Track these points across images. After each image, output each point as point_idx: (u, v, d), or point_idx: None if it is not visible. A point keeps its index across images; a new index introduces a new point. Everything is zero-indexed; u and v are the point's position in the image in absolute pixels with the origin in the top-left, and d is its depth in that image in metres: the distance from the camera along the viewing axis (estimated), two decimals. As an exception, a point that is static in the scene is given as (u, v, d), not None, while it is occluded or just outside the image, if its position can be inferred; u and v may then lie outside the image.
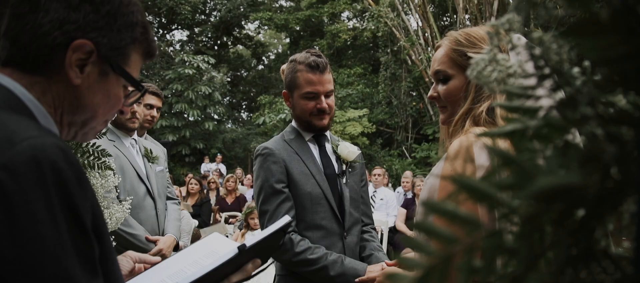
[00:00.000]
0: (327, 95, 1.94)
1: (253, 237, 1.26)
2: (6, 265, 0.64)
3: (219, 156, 14.63)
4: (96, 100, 0.85)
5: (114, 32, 0.84)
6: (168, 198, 2.82)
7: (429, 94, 1.34)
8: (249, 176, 10.28)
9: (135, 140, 2.65)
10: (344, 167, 2.03)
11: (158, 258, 1.35)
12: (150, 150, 2.72)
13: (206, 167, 14.03)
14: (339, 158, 2.04)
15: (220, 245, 1.38)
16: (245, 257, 1.20)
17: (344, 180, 2.01)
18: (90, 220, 0.72)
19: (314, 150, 2.01)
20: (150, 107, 2.86)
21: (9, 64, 0.81)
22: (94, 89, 0.84)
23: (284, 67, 2.05)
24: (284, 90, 2.03)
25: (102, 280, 0.74)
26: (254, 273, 1.25)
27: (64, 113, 0.84)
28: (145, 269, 1.30)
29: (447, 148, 1.23)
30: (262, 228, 1.90)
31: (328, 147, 2.05)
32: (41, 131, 0.72)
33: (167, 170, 2.97)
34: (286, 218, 1.37)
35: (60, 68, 0.81)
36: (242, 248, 1.16)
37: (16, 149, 0.67)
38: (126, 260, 1.28)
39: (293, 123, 2.06)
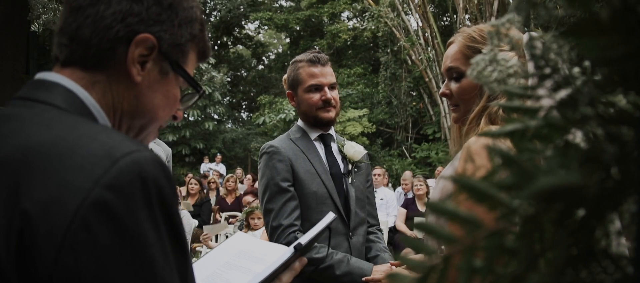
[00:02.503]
0: (331, 88, 1.95)
1: (304, 235, 1.25)
2: None
3: (219, 156, 14.63)
4: (156, 101, 0.79)
5: (175, 27, 0.78)
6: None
7: (441, 90, 1.30)
8: (248, 176, 10.27)
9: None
10: (350, 166, 2.02)
11: None
12: (150, 150, 2.71)
13: (205, 166, 14.03)
14: (344, 158, 2.03)
15: (248, 244, 1.35)
16: (296, 256, 1.19)
17: (350, 180, 1.99)
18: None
19: (320, 149, 2.00)
20: None
21: (69, 64, 0.75)
22: (154, 89, 0.78)
23: (285, 76, 2.06)
24: (287, 91, 2.03)
25: None
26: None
27: (123, 117, 0.77)
28: None
29: (458, 149, 1.20)
30: (267, 227, 1.89)
31: (334, 146, 2.04)
32: (136, 143, 0.66)
33: (168, 170, 2.96)
34: (331, 215, 1.37)
35: (121, 65, 0.75)
36: (298, 246, 1.16)
37: (119, 166, 0.61)
38: None
39: (299, 122, 2.06)
